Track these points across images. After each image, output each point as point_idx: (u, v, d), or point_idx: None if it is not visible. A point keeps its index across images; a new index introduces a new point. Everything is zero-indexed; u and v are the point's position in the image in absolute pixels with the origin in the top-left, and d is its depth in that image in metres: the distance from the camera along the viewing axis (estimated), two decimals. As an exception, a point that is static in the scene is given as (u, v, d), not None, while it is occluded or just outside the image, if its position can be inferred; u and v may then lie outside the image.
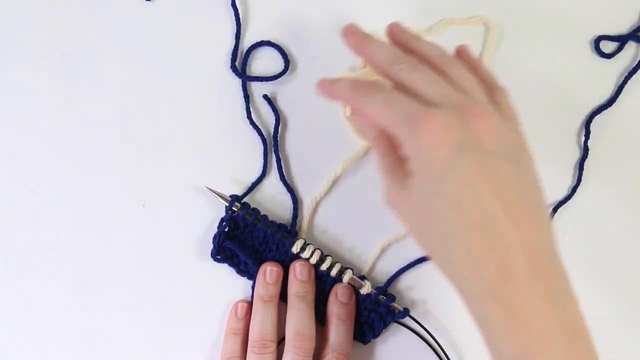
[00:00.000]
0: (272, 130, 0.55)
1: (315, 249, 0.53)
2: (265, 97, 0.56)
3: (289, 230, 0.54)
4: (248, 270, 0.54)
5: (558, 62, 0.57)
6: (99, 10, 0.56)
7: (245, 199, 0.55)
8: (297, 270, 0.53)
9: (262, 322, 0.51)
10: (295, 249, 0.53)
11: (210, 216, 0.55)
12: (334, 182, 0.55)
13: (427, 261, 0.55)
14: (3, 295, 0.54)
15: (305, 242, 0.54)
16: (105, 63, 0.56)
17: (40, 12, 0.56)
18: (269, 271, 0.53)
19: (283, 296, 0.54)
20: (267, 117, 0.56)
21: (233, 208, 0.54)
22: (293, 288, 0.53)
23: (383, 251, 0.55)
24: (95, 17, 0.56)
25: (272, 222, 0.54)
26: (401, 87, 0.41)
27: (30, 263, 0.54)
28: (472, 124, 0.36)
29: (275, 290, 0.53)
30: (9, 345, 0.54)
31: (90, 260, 0.54)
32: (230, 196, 0.54)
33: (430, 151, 0.36)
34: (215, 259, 0.54)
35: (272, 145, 0.55)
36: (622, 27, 0.58)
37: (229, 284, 0.55)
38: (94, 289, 0.54)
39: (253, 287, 0.53)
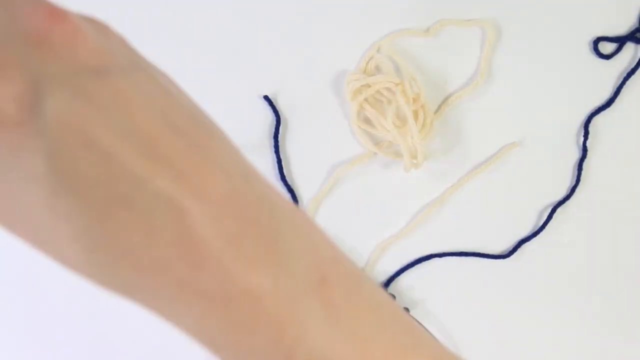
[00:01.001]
0: (272, 130, 0.56)
1: None
2: (266, 97, 0.56)
3: None
4: None
5: (557, 63, 0.58)
6: (99, 8, 0.56)
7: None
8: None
9: None
10: None
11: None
12: (335, 183, 0.55)
13: (427, 261, 0.55)
14: (3, 293, 0.54)
15: None
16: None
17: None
18: None
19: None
20: (267, 117, 0.56)
21: None
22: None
23: (383, 250, 0.55)
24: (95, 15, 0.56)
25: None
26: None
27: (29, 262, 0.54)
28: (45, 36, 0.20)
29: None
30: (9, 345, 0.53)
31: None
32: None
33: None
34: None
35: (272, 145, 0.55)
36: (621, 28, 0.58)
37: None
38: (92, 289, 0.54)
39: None
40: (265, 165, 0.55)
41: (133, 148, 0.20)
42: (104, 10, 0.56)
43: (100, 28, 0.22)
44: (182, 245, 0.20)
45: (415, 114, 0.54)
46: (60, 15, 0.20)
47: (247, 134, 0.56)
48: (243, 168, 0.23)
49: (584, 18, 0.58)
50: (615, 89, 0.57)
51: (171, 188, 0.20)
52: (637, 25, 0.58)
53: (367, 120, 0.56)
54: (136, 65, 0.23)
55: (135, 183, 0.20)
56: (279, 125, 0.55)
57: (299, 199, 0.55)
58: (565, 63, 0.58)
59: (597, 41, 0.57)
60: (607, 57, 0.58)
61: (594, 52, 0.58)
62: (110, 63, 0.21)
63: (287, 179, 0.55)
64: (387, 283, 0.54)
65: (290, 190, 0.55)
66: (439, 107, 0.57)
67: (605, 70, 0.58)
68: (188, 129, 0.21)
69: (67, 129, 0.19)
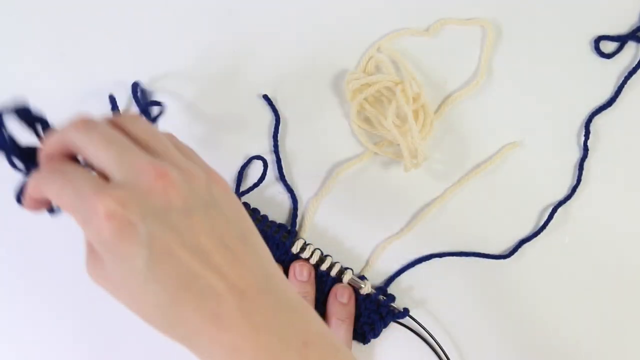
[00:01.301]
0: (272, 130, 0.56)
1: (315, 249, 0.53)
2: (265, 97, 0.56)
3: (289, 230, 0.54)
4: None
5: (558, 62, 0.57)
6: (99, 8, 0.56)
7: (246, 199, 0.55)
8: (297, 271, 0.53)
9: None
10: (295, 249, 0.53)
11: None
12: (335, 183, 0.55)
13: (427, 261, 0.55)
14: (3, 293, 0.54)
15: (305, 242, 0.54)
16: (103, 62, 0.56)
17: (41, 11, 0.56)
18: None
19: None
20: (267, 117, 0.56)
21: None
22: (293, 289, 0.52)
23: (383, 250, 0.55)
24: (95, 15, 0.56)
25: (272, 222, 0.54)
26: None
27: (29, 262, 0.54)
28: (151, 187, 0.34)
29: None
30: (9, 346, 0.54)
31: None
32: None
33: (106, 238, 0.33)
34: None
35: (272, 145, 0.55)
36: (622, 27, 0.58)
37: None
38: (92, 289, 0.54)
39: None
40: (268, 178, 0.55)
41: (196, 258, 0.34)
42: (106, 12, 0.56)
43: (189, 177, 0.36)
44: (216, 316, 0.33)
45: (415, 114, 0.54)
46: (164, 174, 0.35)
47: (247, 133, 0.56)
48: (267, 269, 0.36)
49: (585, 17, 0.58)
50: (616, 88, 0.57)
51: (216, 282, 0.34)
52: (638, 24, 0.57)
53: (367, 120, 0.56)
54: (207, 204, 0.35)
55: (194, 278, 0.33)
56: (279, 125, 0.55)
57: (298, 198, 0.55)
58: (566, 62, 0.57)
59: (598, 40, 0.57)
60: (609, 56, 0.57)
61: (595, 51, 0.57)
62: (190, 203, 0.35)
63: (287, 178, 0.55)
64: (387, 283, 0.54)
65: (290, 190, 0.55)
66: (439, 106, 0.57)
67: (606, 69, 0.57)
68: (234, 246, 0.35)
69: (157, 244, 0.33)
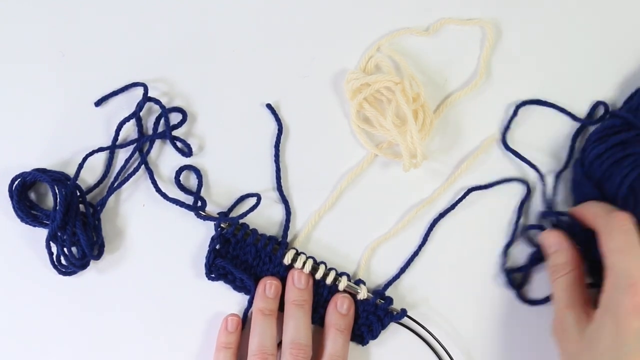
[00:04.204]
0: (274, 139, 0.55)
1: (307, 259, 0.53)
2: (269, 106, 0.56)
3: (280, 242, 0.54)
4: (245, 286, 0.53)
5: (559, 62, 0.57)
6: (99, 8, 0.56)
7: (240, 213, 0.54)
8: (295, 278, 0.52)
9: (262, 335, 0.51)
10: (287, 260, 0.52)
11: (206, 234, 0.54)
12: (338, 198, 0.55)
13: (422, 258, 0.55)
14: (2, 295, 0.54)
15: (296, 252, 0.53)
16: (104, 63, 0.56)
17: (41, 11, 0.56)
18: (268, 285, 0.52)
19: (280, 306, 0.53)
20: (269, 127, 0.56)
21: (222, 225, 0.53)
22: (291, 296, 0.52)
23: (372, 251, 0.55)
24: (95, 15, 0.56)
25: (261, 235, 0.53)
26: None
27: (29, 267, 0.54)
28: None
29: (274, 304, 0.52)
30: (8, 347, 0.53)
31: (90, 270, 0.54)
32: (218, 214, 0.53)
33: (629, 316, 0.43)
34: (210, 278, 0.53)
35: (273, 154, 0.55)
36: (623, 26, 0.57)
37: (225, 297, 0.54)
38: (90, 295, 0.54)
39: (250, 301, 0.53)
40: (265, 172, 0.55)
41: None
42: (107, 14, 0.56)
43: None
44: None
45: (415, 114, 0.54)
46: None
47: (248, 140, 0.55)
48: None
49: (585, 15, 0.58)
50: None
51: None
52: None
53: (367, 120, 0.55)
54: None
55: None
56: (281, 135, 0.55)
57: (295, 207, 0.55)
58: (568, 62, 0.57)
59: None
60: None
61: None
62: None
63: (283, 184, 0.55)
64: (385, 287, 0.54)
65: (285, 201, 0.54)
66: (438, 106, 0.56)
67: (608, 68, 0.57)
68: None
69: None
